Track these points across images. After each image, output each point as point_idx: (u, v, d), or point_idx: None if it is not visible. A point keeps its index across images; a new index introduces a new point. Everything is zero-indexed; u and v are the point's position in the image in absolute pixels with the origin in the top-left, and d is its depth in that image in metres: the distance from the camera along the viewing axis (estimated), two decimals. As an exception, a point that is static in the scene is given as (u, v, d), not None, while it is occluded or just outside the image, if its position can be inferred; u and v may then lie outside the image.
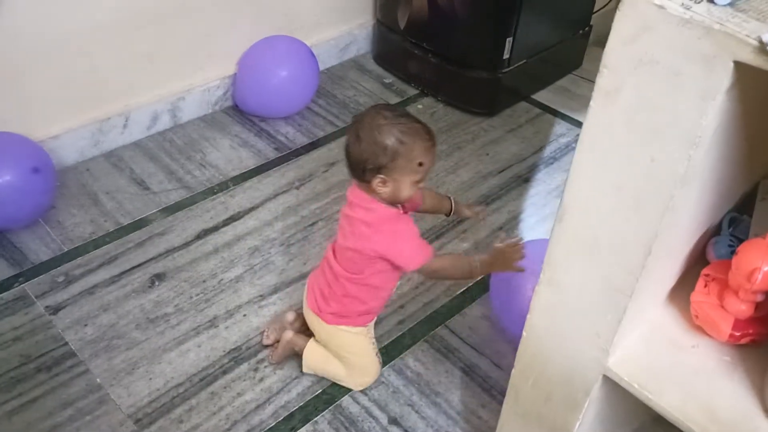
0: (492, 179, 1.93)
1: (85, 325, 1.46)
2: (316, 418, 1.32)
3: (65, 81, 1.76)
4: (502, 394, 1.36)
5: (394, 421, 1.33)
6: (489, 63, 2.07)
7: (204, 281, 1.58)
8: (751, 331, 0.77)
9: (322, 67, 2.19)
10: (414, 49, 2.19)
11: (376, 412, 1.34)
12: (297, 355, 1.39)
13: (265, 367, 1.40)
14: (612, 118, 0.66)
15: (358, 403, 1.35)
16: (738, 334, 0.77)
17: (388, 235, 1.19)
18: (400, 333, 1.49)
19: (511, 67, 2.08)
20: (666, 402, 0.76)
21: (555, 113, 2.20)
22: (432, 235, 1.72)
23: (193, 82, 2.02)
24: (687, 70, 0.58)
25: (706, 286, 0.81)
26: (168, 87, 1.98)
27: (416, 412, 1.35)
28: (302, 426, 1.31)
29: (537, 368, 0.90)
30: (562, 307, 0.81)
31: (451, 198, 1.40)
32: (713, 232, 0.91)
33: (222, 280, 1.59)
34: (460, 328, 1.51)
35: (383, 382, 1.39)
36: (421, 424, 1.33)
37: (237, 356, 1.42)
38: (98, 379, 1.36)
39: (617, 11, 0.61)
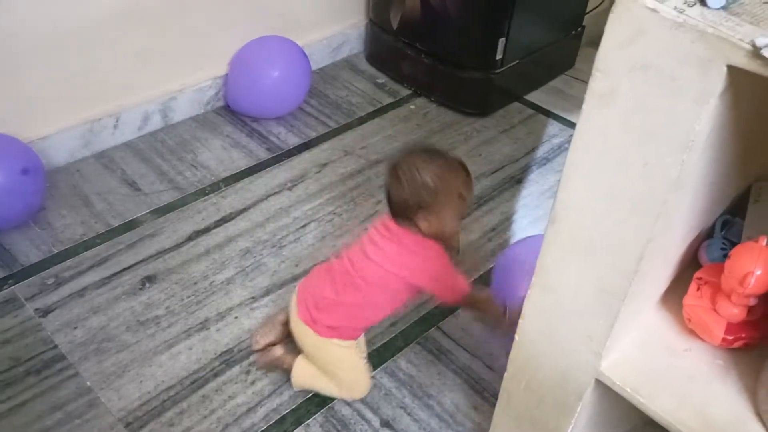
0: (485, 180, 1.92)
1: (75, 328, 1.45)
2: (308, 421, 1.32)
3: (55, 81, 1.75)
4: (495, 396, 1.36)
5: (386, 423, 1.32)
6: (482, 63, 2.07)
7: (195, 283, 1.57)
8: (743, 335, 0.77)
9: (314, 67, 2.18)
10: (407, 49, 2.18)
11: (369, 414, 1.34)
12: (284, 371, 1.37)
13: (257, 370, 1.39)
14: (605, 122, 0.65)
15: (350, 405, 1.35)
16: (731, 338, 0.77)
17: (429, 268, 1.23)
18: (393, 335, 1.48)
19: (503, 68, 2.08)
20: (658, 406, 0.76)
21: (548, 114, 2.20)
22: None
23: (184, 83, 2.01)
24: (680, 73, 0.58)
25: (698, 289, 0.81)
26: (159, 87, 1.97)
27: (409, 414, 1.34)
28: (294, 429, 1.30)
29: (529, 371, 0.89)
30: (554, 311, 0.81)
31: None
32: (706, 235, 0.91)
33: (213, 282, 1.58)
34: (452, 330, 1.50)
35: (375, 385, 1.38)
36: (414, 427, 1.32)
37: (228, 359, 1.42)
38: (88, 383, 1.35)
39: (610, 14, 0.60)
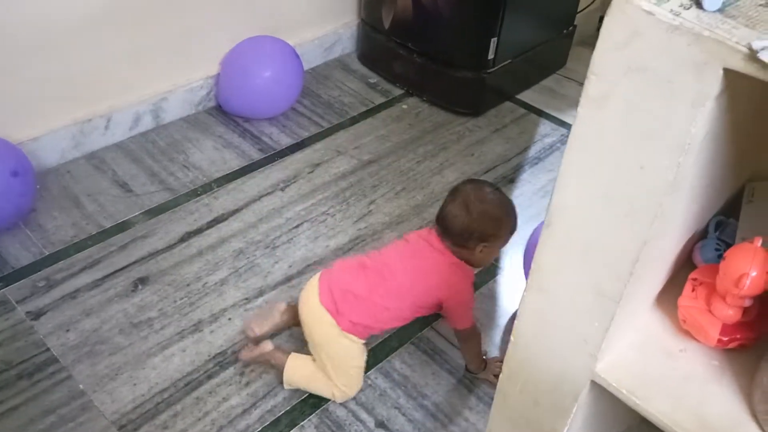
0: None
1: (68, 331, 1.44)
2: (302, 423, 1.31)
3: (45, 81, 1.74)
4: (489, 396, 1.37)
5: (381, 424, 1.32)
6: (474, 63, 2.07)
7: (188, 285, 1.56)
8: (738, 336, 0.77)
9: (306, 67, 2.17)
10: (399, 48, 2.18)
11: (363, 415, 1.33)
12: (271, 366, 1.37)
13: (251, 371, 1.39)
14: (600, 125, 0.65)
15: (345, 406, 1.35)
16: (726, 339, 0.77)
17: (459, 290, 1.29)
18: (387, 335, 1.48)
19: (495, 67, 2.08)
20: (655, 408, 0.76)
21: (540, 113, 2.20)
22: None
23: (175, 83, 2.00)
24: (676, 77, 0.58)
25: (693, 290, 0.81)
26: (150, 87, 1.96)
27: (403, 414, 1.34)
28: (289, 430, 1.30)
29: (525, 373, 0.89)
30: (549, 313, 0.81)
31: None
32: (700, 236, 0.91)
33: (206, 283, 1.57)
34: (446, 330, 1.50)
35: (370, 385, 1.38)
36: (409, 427, 1.32)
37: (222, 361, 1.41)
38: (81, 386, 1.34)
39: (605, 17, 0.60)
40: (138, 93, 1.94)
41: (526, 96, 2.27)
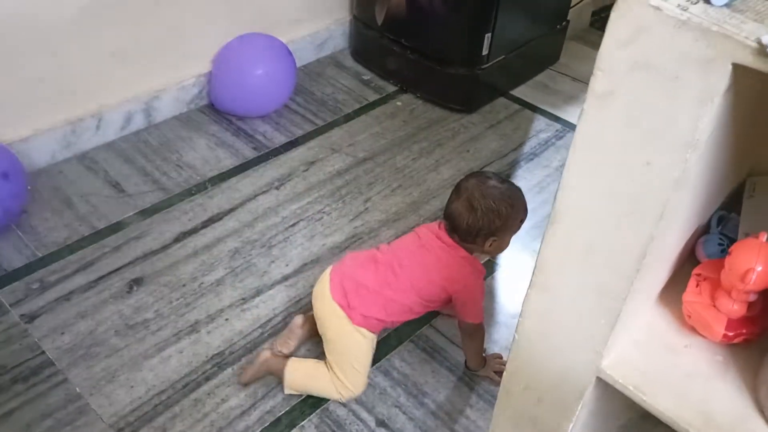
0: (473, 176, 1.92)
1: (63, 333, 1.42)
2: (302, 423, 1.31)
3: (35, 81, 1.72)
4: (490, 393, 1.37)
5: (382, 423, 1.32)
6: (468, 59, 2.07)
7: (184, 285, 1.55)
8: (744, 331, 0.77)
9: (298, 64, 2.16)
10: (392, 45, 2.17)
11: (364, 414, 1.33)
12: (271, 375, 1.36)
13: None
14: (606, 122, 0.64)
15: (345, 406, 1.34)
16: (731, 333, 0.77)
17: (470, 284, 1.30)
18: (386, 334, 1.47)
19: (489, 63, 2.08)
20: (661, 404, 0.76)
21: (534, 109, 2.20)
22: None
23: (167, 81, 1.98)
24: (684, 73, 0.57)
25: (697, 286, 0.80)
26: (142, 86, 1.94)
27: (404, 413, 1.34)
28: (289, 431, 1.29)
29: (529, 371, 0.89)
30: (554, 310, 0.80)
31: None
32: (702, 231, 0.91)
33: (202, 283, 1.56)
34: (445, 327, 1.50)
35: (370, 384, 1.37)
36: (410, 426, 1.32)
37: (220, 361, 1.40)
38: (77, 389, 1.33)
39: (612, 13, 0.60)
40: (129, 92, 1.92)
41: (519, 92, 2.27)
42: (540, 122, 2.14)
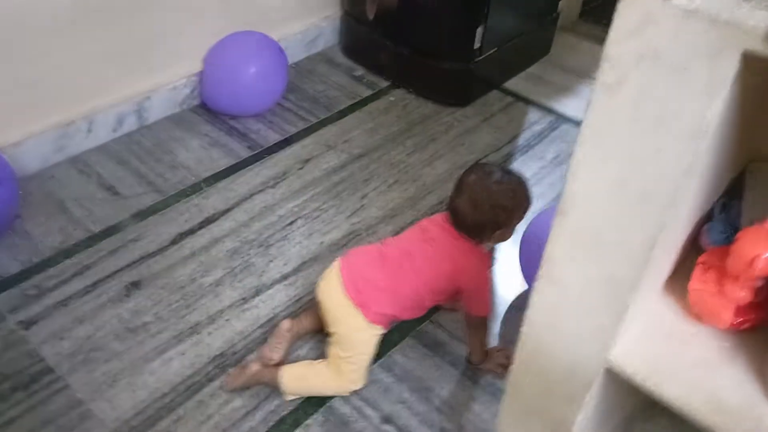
0: (468, 170, 1.91)
1: (61, 339, 1.41)
2: (307, 421, 1.30)
3: (24, 84, 1.70)
4: (494, 386, 1.37)
5: (386, 419, 1.32)
6: (460, 53, 2.06)
7: (182, 287, 1.54)
8: (751, 317, 0.77)
9: (289, 62, 2.15)
10: (384, 40, 2.16)
11: (368, 411, 1.33)
12: (263, 385, 1.34)
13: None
14: (614, 113, 0.64)
15: (349, 403, 1.34)
16: (739, 320, 0.77)
17: (477, 276, 1.30)
18: (387, 330, 1.47)
19: (482, 57, 2.07)
20: (670, 393, 0.76)
21: (527, 101, 2.20)
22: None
23: (158, 81, 1.97)
24: (693, 62, 0.57)
25: (703, 274, 0.81)
26: (133, 87, 1.92)
27: (408, 408, 1.34)
28: (294, 430, 1.29)
29: (536, 364, 0.89)
30: (562, 303, 0.81)
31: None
32: (705, 219, 0.91)
33: (201, 284, 1.55)
34: (446, 322, 1.50)
35: (373, 380, 1.37)
36: (414, 421, 1.32)
37: (222, 362, 1.39)
38: (79, 394, 1.32)
39: (618, 3, 0.59)
40: (120, 93, 1.90)
41: (512, 84, 2.27)
42: (533, 114, 2.14)
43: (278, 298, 1.53)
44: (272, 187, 1.82)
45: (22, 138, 1.75)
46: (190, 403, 1.32)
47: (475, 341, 1.37)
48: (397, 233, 1.69)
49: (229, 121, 2.02)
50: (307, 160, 1.91)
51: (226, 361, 1.39)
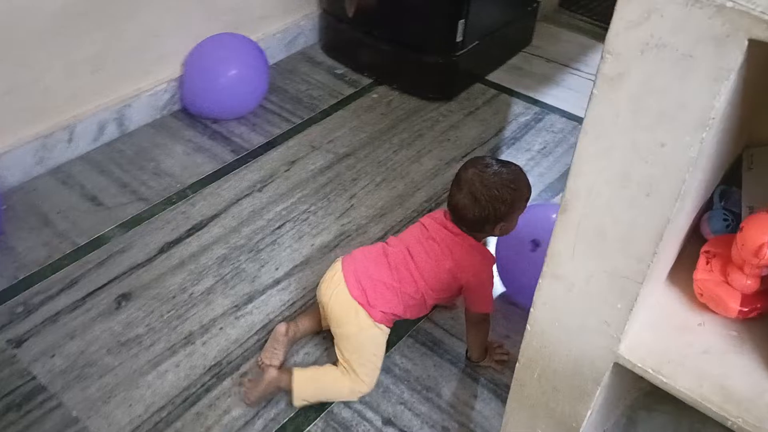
0: (456, 165, 1.90)
1: (53, 356, 1.38)
2: (308, 428, 1.28)
3: (2, 95, 1.65)
4: (494, 383, 1.36)
5: (388, 421, 1.30)
6: (443, 47, 2.05)
7: (173, 297, 1.51)
8: (758, 305, 0.77)
9: (269, 62, 2.12)
10: (364, 37, 2.14)
11: (369, 414, 1.31)
12: (280, 391, 1.32)
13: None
14: (617, 105, 0.63)
15: (349, 407, 1.32)
16: (746, 309, 0.77)
17: (479, 272, 1.28)
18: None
19: (464, 50, 2.06)
20: (681, 385, 0.75)
21: (511, 93, 2.19)
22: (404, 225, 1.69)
23: (138, 88, 1.93)
24: (698, 51, 0.56)
25: (707, 263, 0.80)
26: (112, 95, 1.89)
27: (409, 409, 1.32)
28: (295, 437, 1.27)
29: (543, 360, 0.88)
30: (568, 299, 0.79)
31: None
32: (705, 207, 0.91)
33: (192, 293, 1.52)
34: (442, 319, 1.49)
35: (373, 383, 1.36)
36: (416, 422, 1.30)
37: (219, 372, 1.37)
38: (74, 412, 1.29)
39: (619, -7, 0.58)
40: (99, 102, 1.87)
41: (495, 76, 2.26)
42: (518, 106, 2.13)
43: (272, 303, 1.51)
44: (259, 190, 1.79)
45: (3, 151, 1.71)
46: (188, 416, 1.29)
47: (476, 339, 1.36)
48: (387, 232, 1.68)
49: (212, 125, 1.99)
50: (292, 162, 1.89)
51: (222, 370, 1.37)
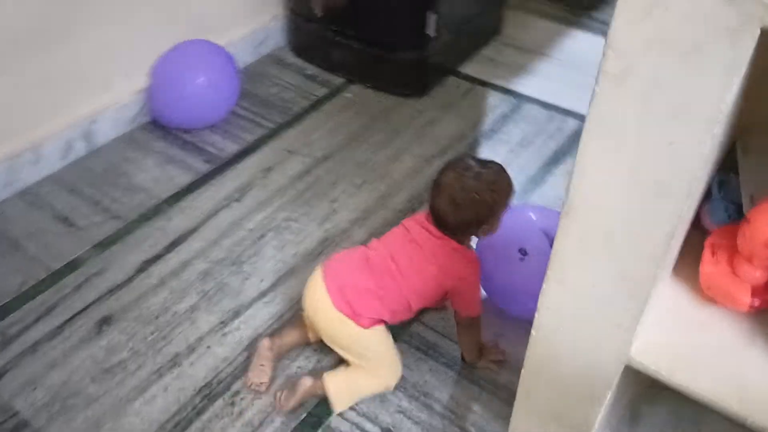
0: (436, 161, 1.87)
1: (34, 389, 1.32)
2: (306, 444, 1.25)
3: (-40, 120, 1.58)
4: (492, 384, 1.34)
5: (387, 431, 1.27)
6: (414, 42, 2.01)
7: (156, 317, 1.46)
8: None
9: (238, 67, 2.06)
10: (334, 36, 2.10)
11: (368, 425, 1.28)
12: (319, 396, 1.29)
13: (242, 399, 1.31)
14: (621, 104, 0.61)
15: (347, 420, 1.29)
16: (758, 301, 0.75)
17: (464, 275, 1.25)
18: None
19: (436, 43, 2.03)
20: (698, 386, 0.74)
21: (484, 84, 2.16)
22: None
23: (104, 102, 1.86)
24: (707, 44, 0.54)
25: (713, 255, 0.78)
26: (77, 111, 1.82)
27: (409, 418, 1.29)
28: (294, 455, 1.23)
29: (550, 366, 0.85)
30: (574, 304, 0.77)
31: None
32: (703, 198, 0.89)
33: (176, 312, 1.47)
34: (434, 321, 1.46)
35: (369, 393, 1.32)
36: (416, 430, 1.27)
37: (209, 393, 1.32)
38: (60, 447, 1.24)
39: (621, -13, 0.55)
40: (65, 118, 1.80)
41: (467, 68, 2.23)
42: (494, 97, 2.11)
43: (259, 317, 1.46)
44: (237, 200, 1.74)
45: (-37, 176, 1.64)
46: (181, 441, 1.25)
47: (468, 341, 1.34)
48: (372, 235, 1.64)
49: (183, 135, 1.93)
50: (269, 169, 1.84)
51: (213, 391, 1.33)
